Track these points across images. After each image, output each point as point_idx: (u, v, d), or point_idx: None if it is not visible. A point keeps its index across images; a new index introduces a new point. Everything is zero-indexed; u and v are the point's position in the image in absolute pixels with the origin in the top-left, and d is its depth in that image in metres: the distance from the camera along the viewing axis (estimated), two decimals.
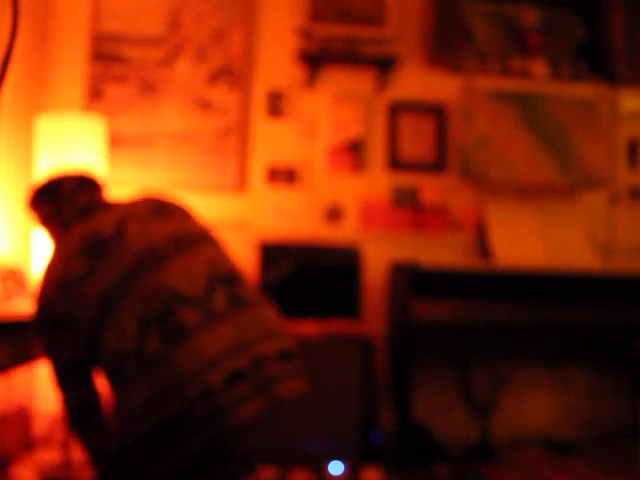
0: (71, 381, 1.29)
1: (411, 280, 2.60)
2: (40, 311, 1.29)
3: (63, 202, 1.40)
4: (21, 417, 2.48)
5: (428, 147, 3.07)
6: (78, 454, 2.26)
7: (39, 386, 2.62)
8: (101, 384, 1.31)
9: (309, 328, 2.49)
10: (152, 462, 1.14)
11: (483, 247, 3.00)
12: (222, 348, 1.18)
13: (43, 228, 1.44)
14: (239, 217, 2.93)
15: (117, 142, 2.84)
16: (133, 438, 1.14)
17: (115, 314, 1.20)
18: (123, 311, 1.20)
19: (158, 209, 1.37)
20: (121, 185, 2.79)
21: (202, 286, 1.24)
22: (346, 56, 2.94)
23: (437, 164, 3.07)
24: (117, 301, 1.21)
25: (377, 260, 2.95)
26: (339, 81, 3.04)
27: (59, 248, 1.33)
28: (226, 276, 1.30)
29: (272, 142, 2.99)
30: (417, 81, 3.09)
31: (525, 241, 2.92)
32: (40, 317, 1.29)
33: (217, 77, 2.95)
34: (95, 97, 2.88)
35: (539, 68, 3.13)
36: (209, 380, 1.14)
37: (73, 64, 2.90)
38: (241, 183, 2.94)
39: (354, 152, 3.02)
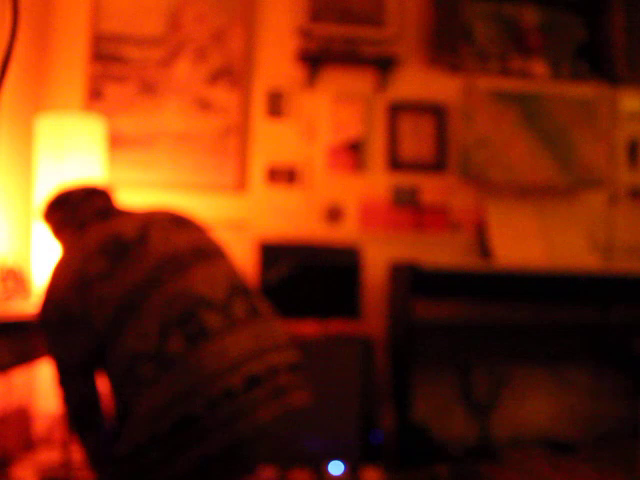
0: (74, 380, 1.29)
1: (411, 280, 2.59)
2: (51, 308, 1.28)
3: (76, 207, 1.42)
4: (21, 417, 2.48)
5: (428, 147, 3.07)
6: (78, 454, 2.26)
7: (39, 386, 2.62)
8: (102, 386, 1.31)
9: (309, 328, 2.50)
10: (166, 463, 1.14)
11: (483, 247, 3.00)
12: (242, 353, 1.21)
13: (57, 238, 1.45)
14: (239, 217, 2.94)
15: (117, 142, 2.84)
16: (148, 438, 1.14)
17: (135, 316, 1.21)
18: (144, 313, 1.21)
19: (177, 220, 1.41)
20: (121, 185, 2.80)
21: (223, 294, 1.28)
22: (346, 56, 2.94)
23: (437, 164, 3.07)
24: (138, 303, 1.22)
25: (377, 260, 2.95)
26: (339, 81, 3.04)
27: (75, 246, 1.33)
28: (243, 288, 1.34)
29: (272, 142, 2.99)
30: (417, 81, 3.09)
31: (525, 241, 2.92)
32: (50, 314, 1.28)
33: (217, 77, 2.95)
34: (95, 97, 2.88)
35: (539, 68, 3.13)
36: (230, 382, 1.16)
37: (73, 64, 2.90)
38: (241, 183, 2.95)
39: (354, 152, 3.02)
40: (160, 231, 1.34)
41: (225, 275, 1.33)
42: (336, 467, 2.39)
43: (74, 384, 1.29)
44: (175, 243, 1.33)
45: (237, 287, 1.32)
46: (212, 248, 1.38)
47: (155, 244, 1.31)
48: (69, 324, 1.25)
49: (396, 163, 3.05)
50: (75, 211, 1.41)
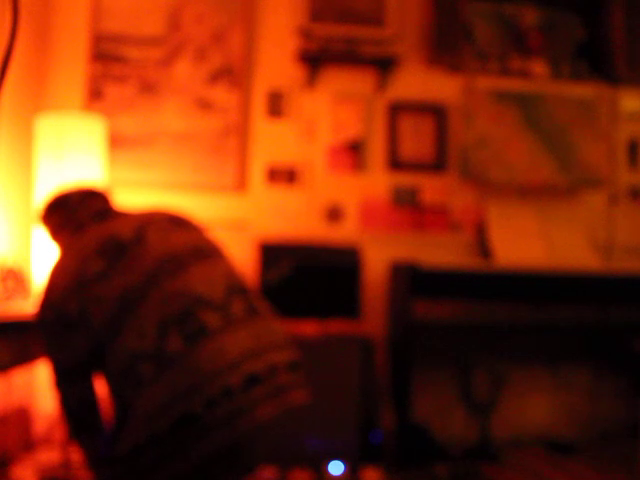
0: (72, 382, 1.28)
1: (411, 280, 2.59)
2: (49, 309, 1.28)
3: (74, 209, 1.42)
4: (21, 417, 2.48)
5: (428, 147, 3.07)
6: (78, 454, 2.26)
7: (39, 386, 2.62)
8: (100, 388, 1.31)
9: (309, 328, 2.49)
10: (165, 462, 1.14)
11: (483, 247, 3.00)
12: (241, 351, 1.21)
13: (55, 240, 1.45)
14: (239, 217, 2.94)
15: (117, 142, 2.84)
16: (147, 438, 1.14)
17: (134, 315, 1.21)
18: (142, 313, 1.21)
19: (175, 220, 1.41)
20: (121, 185, 2.80)
21: (221, 293, 1.28)
22: (346, 56, 2.94)
23: (437, 164, 3.07)
24: (136, 303, 1.22)
25: (377, 260, 2.95)
26: (339, 81, 3.04)
27: (72, 248, 1.33)
28: (241, 287, 1.34)
29: (272, 142, 2.99)
30: (417, 81, 3.09)
31: (525, 241, 2.92)
32: (48, 316, 1.28)
33: (217, 77, 2.95)
34: (95, 97, 2.88)
35: (539, 68, 3.13)
36: (229, 380, 1.16)
37: (73, 64, 2.90)
38: (241, 183, 2.95)
39: (354, 152, 3.02)
40: (157, 231, 1.34)
41: (223, 275, 1.33)
42: (336, 467, 2.39)
43: (72, 386, 1.28)
44: (173, 243, 1.33)
45: (235, 286, 1.32)
46: (210, 248, 1.39)
47: (153, 244, 1.31)
48: (67, 325, 1.25)
49: (396, 163, 3.05)
50: (73, 213, 1.41)
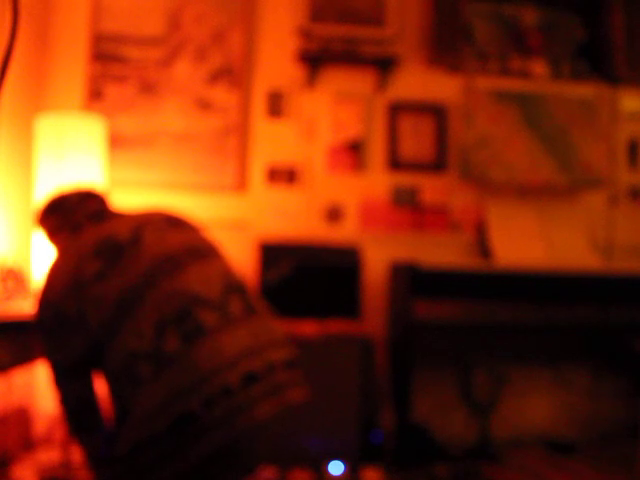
0: (71, 382, 1.28)
1: (411, 280, 2.59)
2: (47, 309, 1.29)
3: (71, 211, 1.42)
4: (21, 417, 2.48)
5: (428, 147, 3.07)
6: (78, 454, 2.26)
7: (39, 386, 2.62)
8: (100, 388, 1.31)
9: (309, 328, 2.49)
10: (165, 462, 1.14)
11: (483, 247, 3.00)
12: (238, 350, 1.21)
13: (52, 242, 1.45)
14: (239, 217, 2.94)
15: (117, 142, 2.84)
16: (146, 437, 1.14)
17: (132, 316, 1.21)
18: (140, 313, 1.21)
19: (171, 220, 1.41)
20: (121, 185, 2.80)
21: (219, 292, 1.28)
22: (346, 56, 2.94)
23: (437, 164, 3.07)
24: (134, 303, 1.22)
25: (377, 260, 2.95)
26: (339, 81, 3.04)
27: (69, 248, 1.33)
28: (238, 286, 1.34)
29: (272, 142, 2.99)
30: (417, 81, 3.09)
31: (525, 241, 2.92)
32: (47, 315, 1.29)
33: (217, 77, 2.95)
34: (95, 97, 2.88)
35: (539, 68, 3.13)
36: (227, 379, 1.16)
37: (73, 64, 2.90)
38: (241, 183, 2.95)
39: (354, 152, 3.02)
40: (154, 232, 1.35)
41: (220, 274, 1.33)
42: (336, 467, 2.39)
43: (71, 386, 1.29)
44: (169, 243, 1.33)
45: (233, 285, 1.32)
46: (207, 247, 1.39)
47: (149, 244, 1.31)
48: (65, 325, 1.25)
49: (396, 163, 3.05)
50: (70, 215, 1.41)
